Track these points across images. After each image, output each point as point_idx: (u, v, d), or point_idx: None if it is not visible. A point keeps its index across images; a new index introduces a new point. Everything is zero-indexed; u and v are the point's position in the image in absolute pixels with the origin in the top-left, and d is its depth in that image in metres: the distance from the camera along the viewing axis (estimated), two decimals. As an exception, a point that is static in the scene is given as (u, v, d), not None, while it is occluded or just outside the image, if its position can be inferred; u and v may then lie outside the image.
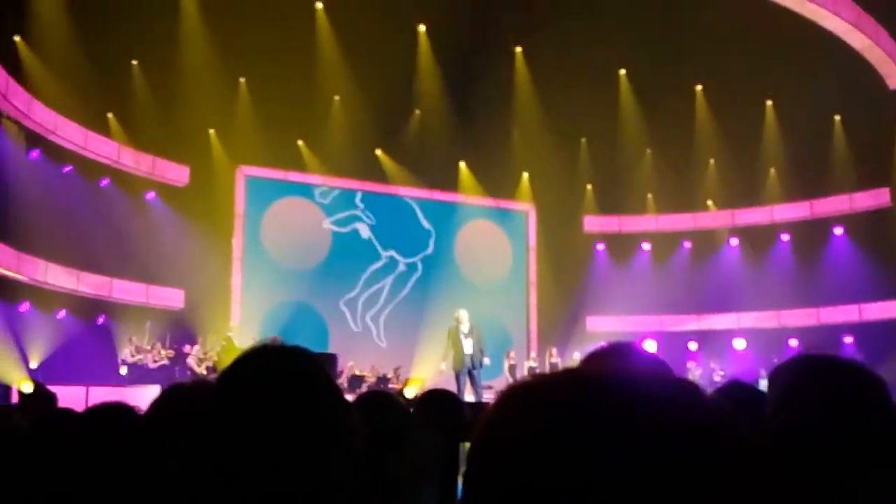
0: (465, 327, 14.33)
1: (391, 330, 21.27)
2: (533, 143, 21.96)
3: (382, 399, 2.41)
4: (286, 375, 1.36)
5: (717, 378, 18.96)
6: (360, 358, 19.36)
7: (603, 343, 1.85)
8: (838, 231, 22.27)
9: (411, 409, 3.23)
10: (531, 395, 0.73)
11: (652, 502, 0.64)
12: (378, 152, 21.72)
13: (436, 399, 3.56)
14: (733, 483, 0.67)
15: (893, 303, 20.94)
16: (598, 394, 0.70)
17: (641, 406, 0.69)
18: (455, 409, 3.48)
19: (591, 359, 1.73)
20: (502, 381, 15.50)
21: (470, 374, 14.19)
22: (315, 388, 1.37)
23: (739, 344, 21.85)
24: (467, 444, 0.78)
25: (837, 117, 21.80)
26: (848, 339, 20.90)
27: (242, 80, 19.96)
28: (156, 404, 1.83)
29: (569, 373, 0.75)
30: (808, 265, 21.91)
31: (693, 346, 21.92)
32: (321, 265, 21.19)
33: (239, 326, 18.57)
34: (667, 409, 0.70)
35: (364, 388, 16.17)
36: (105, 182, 18.50)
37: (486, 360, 14.45)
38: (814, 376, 1.61)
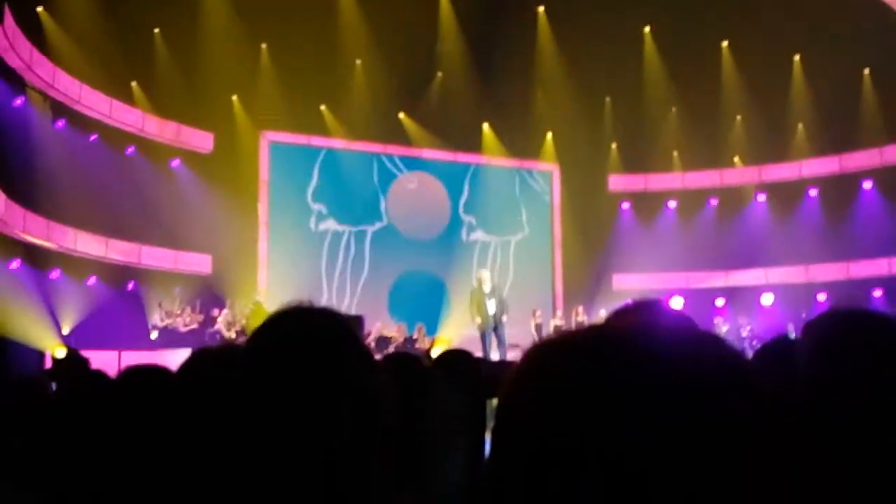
0: (487, 287, 14.39)
1: (413, 290, 21.17)
2: (557, 102, 21.79)
3: (405, 359, 2.42)
4: (314, 338, 1.37)
5: (744, 334, 18.87)
6: (388, 320, 19.45)
7: (629, 300, 1.84)
8: (867, 185, 21.96)
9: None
10: (556, 351, 0.74)
11: (674, 457, 0.65)
12: (401, 115, 21.62)
13: (453, 359, 3.57)
14: (757, 438, 0.68)
15: (924, 256, 20.71)
16: (621, 349, 0.71)
17: (665, 361, 0.69)
18: (472, 366, 3.48)
19: (617, 316, 1.73)
20: (529, 340, 15.53)
21: (496, 333, 14.29)
22: (342, 351, 1.38)
23: (767, 299, 21.70)
24: (494, 402, 0.79)
25: (866, 70, 21.39)
26: (877, 294, 20.70)
27: (264, 45, 19.89)
28: (183, 368, 1.85)
29: (593, 329, 0.75)
30: (836, 220, 21.64)
31: (720, 302, 21.81)
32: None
33: (267, 290, 18.71)
34: (690, 365, 0.70)
35: (391, 349, 16.29)
36: (130, 150, 18.58)
37: (504, 318, 14.59)
38: (846, 331, 1.60)
